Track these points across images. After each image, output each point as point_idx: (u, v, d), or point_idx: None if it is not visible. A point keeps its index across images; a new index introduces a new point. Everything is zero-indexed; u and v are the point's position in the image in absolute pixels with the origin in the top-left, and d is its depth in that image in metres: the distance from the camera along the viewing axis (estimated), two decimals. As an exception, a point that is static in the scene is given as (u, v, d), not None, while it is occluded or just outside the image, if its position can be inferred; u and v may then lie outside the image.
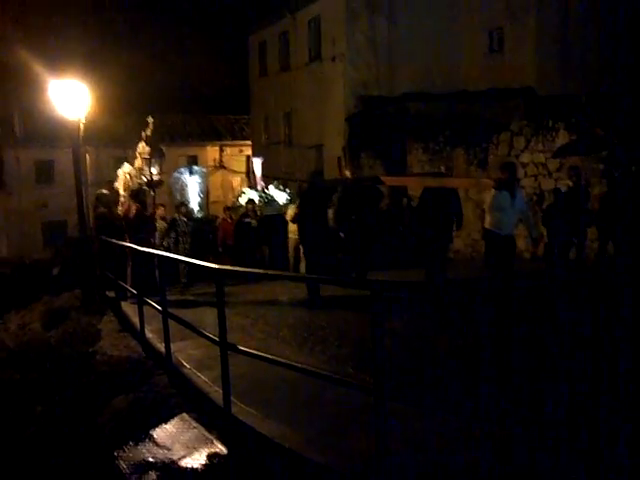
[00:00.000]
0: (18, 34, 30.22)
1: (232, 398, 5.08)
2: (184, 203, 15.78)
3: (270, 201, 18.04)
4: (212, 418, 5.33)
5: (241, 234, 13.98)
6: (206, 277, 10.36)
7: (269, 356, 4.77)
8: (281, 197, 18.28)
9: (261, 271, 7.45)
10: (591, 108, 12.75)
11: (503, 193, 8.10)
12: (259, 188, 19.21)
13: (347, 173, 11.22)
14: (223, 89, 33.00)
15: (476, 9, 20.39)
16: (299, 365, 4.55)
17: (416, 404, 4.73)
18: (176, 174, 26.52)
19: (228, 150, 30.87)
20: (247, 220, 14.24)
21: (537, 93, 17.50)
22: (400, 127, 17.57)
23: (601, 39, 19.07)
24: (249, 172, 29.49)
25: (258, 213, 14.84)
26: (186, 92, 32.35)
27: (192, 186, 26.50)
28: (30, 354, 7.44)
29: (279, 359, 4.74)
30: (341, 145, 20.06)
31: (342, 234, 10.94)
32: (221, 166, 29.37)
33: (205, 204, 26.89)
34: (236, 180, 28.38)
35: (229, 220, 14.72)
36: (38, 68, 14.36)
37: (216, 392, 5.41)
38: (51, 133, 26.80)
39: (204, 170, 28.19)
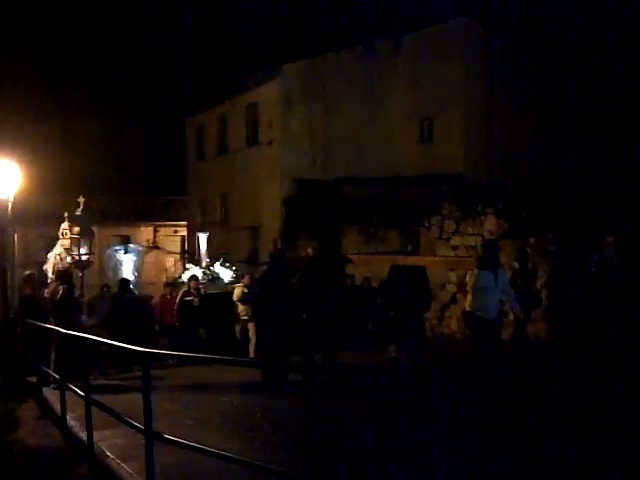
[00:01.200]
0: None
1: (157, 491, 4.78)
2: (107, 285, 14.88)
3: (214, 279, 17.51)
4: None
5: (183, 313, 13.24)
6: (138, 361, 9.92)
7: (196, 445, 4.54)
8: (226, 275, 17.83)
9: (193, 355, 7.20)
10: (518, 194, 13.33)
11: (486, 272, 7.82)
12: (203, 264, 18.78)
13: (310, 251, 11.09)
14: (159, 170, 33.02)
15: (408, 100, 21.36)
16: (225, 453, 4.34)
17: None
18: (110, 252, 25.84)
19: (162, 230, 30.59)
20: (189, 298, 13.42)
21: (466, 179, 18.23)
22: (335, 210, 17.89)
23: (526, 127, 20.24)
24: (184, 252, 29.22)
25: (202, 292, 14.06)
26: (121, 172, 32.17)
27: (127, 264, 25.83)
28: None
29: (205, 447, 4.51)
30: (277, 227, 20.19)
31: (304, 315, 10.36)
32: (155, 246, 28.95)
33: (138, 283, 26.24)
34: (170, 261, 27.96)
35: (168, 297, 14.04)
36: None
37: (141, 485, 5.09)
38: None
39: (140, 248, 27.61)
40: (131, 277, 25.87)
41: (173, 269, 28.71)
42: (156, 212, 31.41)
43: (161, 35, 33.92)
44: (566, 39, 22.89)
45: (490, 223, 13.42)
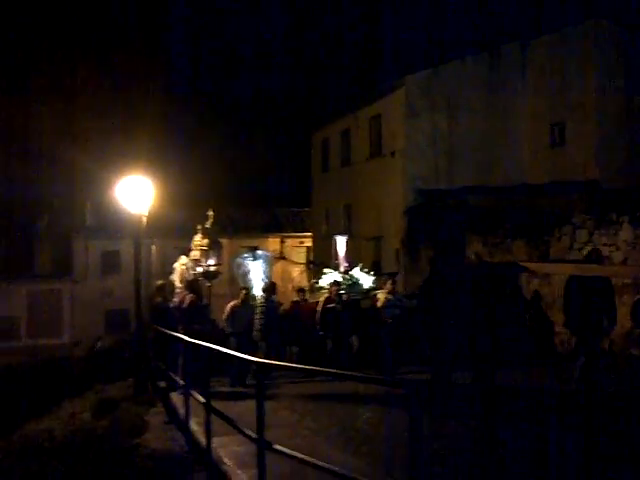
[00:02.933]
0: (93, 134, 32.20)
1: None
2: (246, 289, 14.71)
3: (354, 284, 16.30)
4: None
5: (325, 321, 12.51)
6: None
7: (305, 457, 4.52)
8: (367, 281, 16.59)
9: (311, 367, 7.22)
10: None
11: None
12: (342, 269, 17.43)
13: (473, 257, 10.52)
14: (286, 183, 33.93)
15: (537, 105, 20.55)
16: (333, 468, 4.28)
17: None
18: (239, 259, 26.37)
19: (289, 241, 31.38)
20: (331, 305, 12.59)
21: (601, 186, 17.19)
22: (459, 220, 17.45)
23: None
24: (310, 262, 29.75)
25: (344, 297, 13.19)
26: (249, 186, 33.37)
27: (255, 271, 26.17)
28: (76, 445, 7.38)
29: (314, 461, 4.48)
30: (399, 237, 20.02)
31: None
32: (281, 257, 29.73)
33: None
34: (295, 271, 28.62)
35: (302, 302, 13.64)
36: (108, 164, 15.09)
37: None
38: (118, 224, 27.93)
39: (268, 255, 27.93)
40: (261, 284, 26.35)
41: (299, 279, 29.34)
42: (283, 223, 32.30)
43: (289, 53, 34.96)
44: None
45: (626, 232, 12.53)
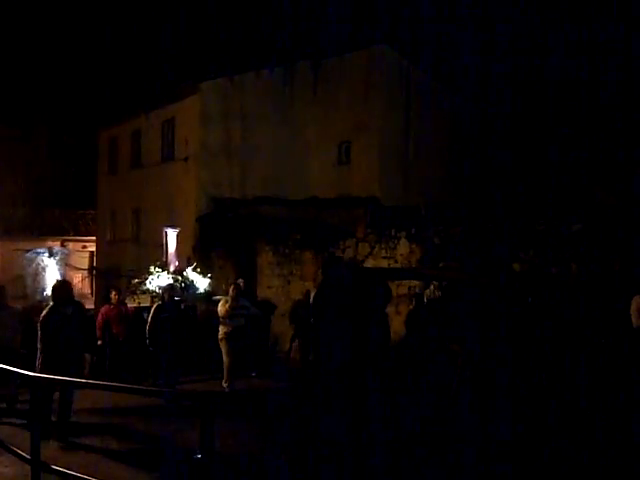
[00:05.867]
0: None
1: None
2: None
3: (188, 286, 14.57)
4: None
5: (155, 335, 10.41)
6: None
7: (84, 477, 4.23)
8: (203, 283, 15.03)
9: (86, 380, 6.79)
10: (429, 219, 13.55)
11: None
12: (172, 268, 15.67)
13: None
14: (69, 183, 31.79)
15: (326, 123, 21.51)
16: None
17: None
18: (31, 254, 23.48)
19: (71, 245, 29.41)
20: (165, 315, 10.49)
21: (381, 203, 18.44)
22: (251, 229, 17.68)
23: (441, 154, 20.80)
24: (92, 269, 28.15)
25: (182, 305, 11.61)
26: (27, 185, 30.77)
27: (51, 269, 23.21)
28: None
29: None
30: (191, 244, 19.75)
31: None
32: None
33: None
34: (77, 277, 26.87)
35: (113, 304, 11.70)
36: None
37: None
38: None
39: (66, 251, 25.11)
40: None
41: (80, 285, 27.63)
42: (65, 226, 30.22)
43: (73, 44, 32.86)
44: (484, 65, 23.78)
45: (403, 247, 13.57)
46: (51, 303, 8.03)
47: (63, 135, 31.78)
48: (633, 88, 20.13)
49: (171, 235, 15.75)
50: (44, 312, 7.91)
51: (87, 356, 11.46)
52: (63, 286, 8.34)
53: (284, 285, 16.13)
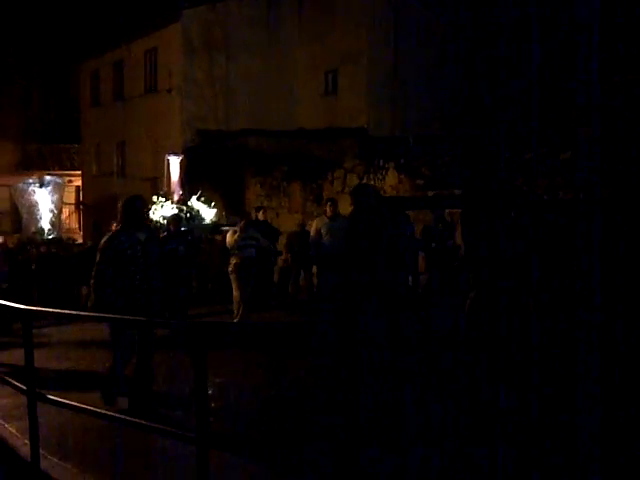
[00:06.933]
0: None
1: (43, 452, 4.54)
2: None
3: (194, 217, 13.97)
4: (19, 475, 4.74)
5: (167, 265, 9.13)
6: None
7: (81, 405, 4.31)
8: (209, 214, 14.39)
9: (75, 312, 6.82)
10: (419, 150, 13.50)
11: None
12: (176, 198, 14.80)
13: None
14: (51, 116, 31.10)
15: (312, 52, 21.06)
16: (115, 415, 4.16)
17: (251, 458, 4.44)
18: (22, 185, 22.33)
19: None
20: (173, 246, 9.87)
21: (369, 134, 18.30)
22: (238, 162, 17.53)
23: (430, 85, 20.45)
24: (80, 203, 27.94)
25: (189, 236, 10.90)
26: (7, 119, 30.04)
27: (43, 202, 21.96)
28: None
29: (90, 408, 4.31)
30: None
31: None
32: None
33: (58, 224, 23.43)
34: (65, 212, 26.68)
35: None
36: None
37: (25, 445, 4.81)
38: None
39: (59, 181, 23.71)
40: (49, 216, 21.81)
41: (67, 220, 27.49)
42: (48, 161, 29.78)
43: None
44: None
45: (391, 177, 13.55)
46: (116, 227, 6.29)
47: (39, 67, 30.82)
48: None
49: (174, 163, 15.01)
50: (105, 237, 5.87)
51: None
52: (134, 203, 5.87)
53: (273, 218, 16.14)
